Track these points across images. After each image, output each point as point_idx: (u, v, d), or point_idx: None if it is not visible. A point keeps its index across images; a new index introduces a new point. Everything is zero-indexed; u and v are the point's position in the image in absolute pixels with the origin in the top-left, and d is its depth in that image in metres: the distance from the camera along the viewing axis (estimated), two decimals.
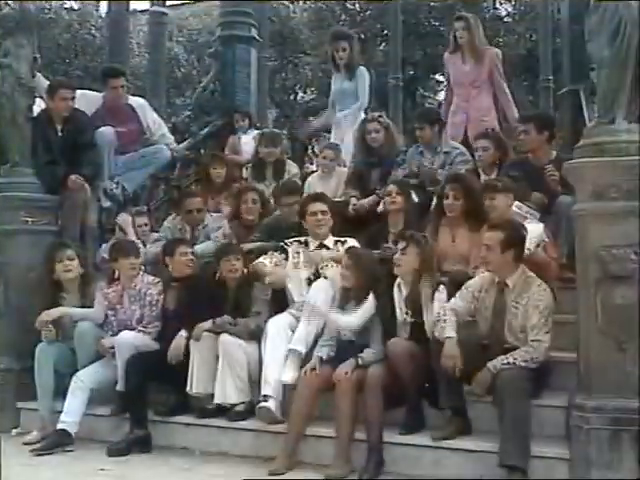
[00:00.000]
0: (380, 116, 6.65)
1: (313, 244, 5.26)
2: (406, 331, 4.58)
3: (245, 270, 5.18)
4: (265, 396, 4.67)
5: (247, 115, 7.83)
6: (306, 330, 4.80)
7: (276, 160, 6.82)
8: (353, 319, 4.65)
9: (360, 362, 4.53)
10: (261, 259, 5.24)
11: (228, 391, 4.84)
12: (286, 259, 5.24)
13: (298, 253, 5.25)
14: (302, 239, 5.31)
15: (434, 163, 6.16)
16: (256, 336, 4.93)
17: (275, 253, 5.24)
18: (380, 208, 5.84)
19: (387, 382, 4.38)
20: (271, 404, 4.63)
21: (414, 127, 6.43)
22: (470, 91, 7.01)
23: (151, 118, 7.01)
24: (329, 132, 7.60)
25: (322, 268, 5.14)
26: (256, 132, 7.69)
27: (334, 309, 4.73)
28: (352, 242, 5.22)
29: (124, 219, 6.13)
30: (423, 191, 5.89)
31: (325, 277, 5.05)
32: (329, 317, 4.71)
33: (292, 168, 6.97)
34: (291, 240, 5.31)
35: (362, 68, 7.44)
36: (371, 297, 4.67)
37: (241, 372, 4.86)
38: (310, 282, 5.09)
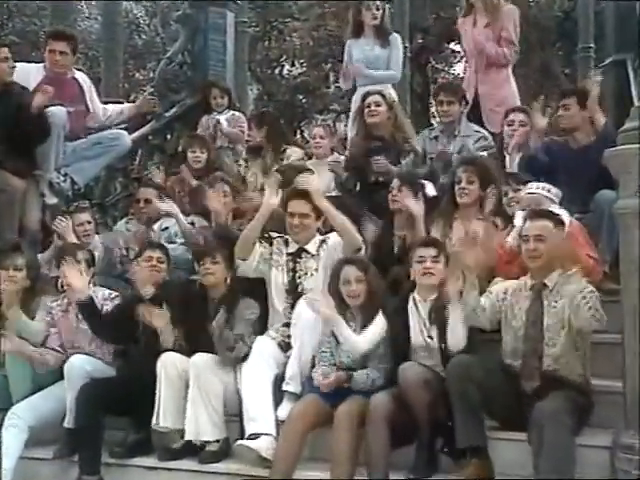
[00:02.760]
0: (383, 91, 6.74)
1: (292, 246, 5.31)
2: (432, 357, 4.64)
3: (229, 279, 5.23)
4: (253, 435, 4.66)
5: (227, 92, 7.86)
6: (299, 364, 4.85)
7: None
8: (361, 341, 4.68)
9: (352, 379, 4.60)
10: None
11: (201, 426, 4.85)
12: (271, 254, 5.28)
13: (280, 251, 5.29)
14: (285, 236, 5.34)
15: (450, 150, 6.26)
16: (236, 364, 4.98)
17: (266, 243, 5.28)
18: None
19: (395, 415, 4.40)
20: (261, 443, 4.62)
21: (439, 101, 6.50)
22: (481, 60, 7.11)
23: (97, 101, 7.05)
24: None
25: (300, 277, 5.20)
26: (231, 113, 7.72)
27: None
28: (334, 237, 5.24)
29: (65, 225, 6.09)
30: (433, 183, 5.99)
31: (302, 289, 5.13)
32: (341, 329, 4.69)
33: (294, 153, 7.06)
34: (276, 235, 5.36)
35: (397, 35, 7.59)
36: (380, 316, 4.71)
37: (216, 403, 4.88)
38: (291, 291, 5.16)
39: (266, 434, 4.65)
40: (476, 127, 6.54)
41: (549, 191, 5.21)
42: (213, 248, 5.34)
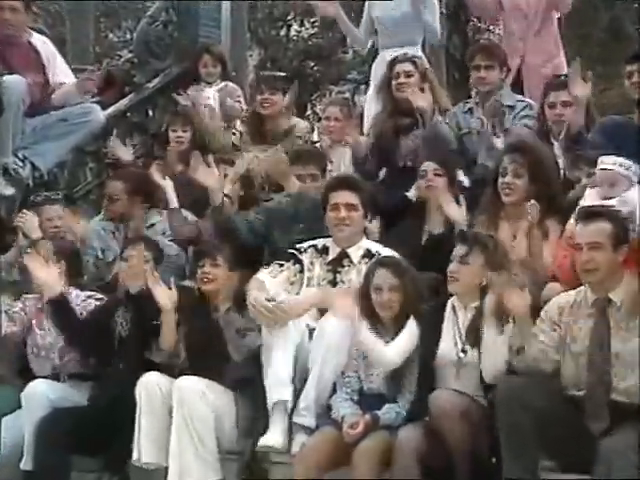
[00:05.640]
0: (415, 57, 6.72)
1: (334, 252, 5.30)
2: (463, 377, 4.62)
3: (237, 283, 5.25)
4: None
5: (221, 59, 7.89)
6: (316, 391, 4.86)
7: (278, 114, 6.94)
8: (389, 353, 4.63)
9: (380, 421, 4.57)
10: (261, 274, 5.22)
11: (186, 464, 4.83)
12: (301, 271, 5.28)
13: (313, 264, 5.29)
14: (320, 243, 5.32)
15: (486, 124, 6.25)
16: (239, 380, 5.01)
17: (287, 263, 5.26)
18: (412, 193, 5.92)
19: (427, 452, 4.40)
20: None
21: (475, 66, 6.50)
22: (531, 24, 7.17)
23: (60, 68, 7.05)
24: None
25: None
26: (224, 84, 7.75)
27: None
28: (387, 253, 5.22)
29: (29, 221, 6.15)
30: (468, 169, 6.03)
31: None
32: (365, 336, 4.65)
33: (300, 124, 7.14)
34: (306, 245, 5.34)
35: None
36: (412, 322, 4.70)
37: (205, 434, 4.88)
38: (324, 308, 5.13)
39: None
40: (519, 96, 6.57)
41: (628, 168, 5.07)
42: (213, 247, 5.38)
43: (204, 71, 7.78)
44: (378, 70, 7.40)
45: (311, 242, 5.36)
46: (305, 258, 5.31)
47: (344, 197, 5.27)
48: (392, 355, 4.65)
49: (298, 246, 5.34)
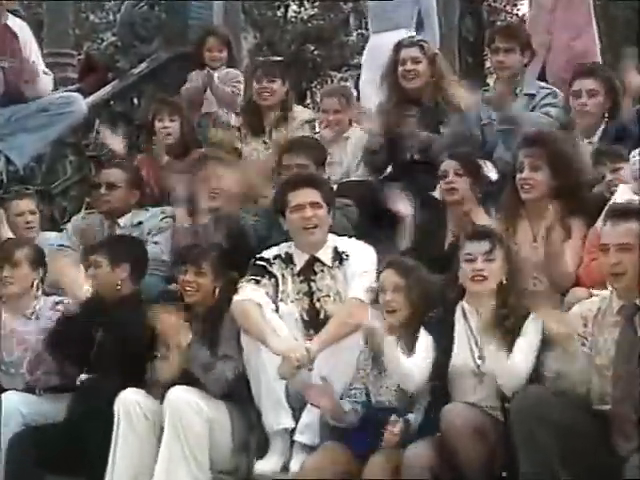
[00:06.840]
0: (422, 41, 6.72)
1: (300, 260, 5.23)
2: (482, 386, 4.60)
3: (217, 291, 5.23)
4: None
5: (227, 43, 7.84)
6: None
7: (279, 103, 6.93)
8: (416, 370, 4.56)
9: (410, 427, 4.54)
10: (245, 291, 5.13)
11: None
12: (276, 286, 5.20)
13: (284, 277, 5.22)
14: (282, 252, 5.25)
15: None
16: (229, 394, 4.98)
17: (263, 280, 5.17)
18: (437, 193, 5.82)
19: (437, 469, 4.39)
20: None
21: (494, 49, 6.46)
22: None
23: (35, 53, 7.04)
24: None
25: (320, 300, 5.17)
26: (225, 71, 7.73)
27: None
28: (364, 250, 5.22)
29: None
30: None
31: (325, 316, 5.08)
32: (392, 351, 4.56)
33: (301, 113, 7.11)
34: (271, 255, 5.27)
35: None
36: (423, 332, 4.66)
37: (199, 450, 4.87)
38: (307, 322, 5.12)
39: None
40: (542, 83, 6.58)
41: None
42: (199, 253, 5.34)
43: (208, 55, 7.72)
44: (369, 56, 7.47)
45: (273, 252, 5.27)
46: (276, 270, 5.22)
47: (307, 196, 5.18)
48: (417, 374, 4.57)
49: (265, 257, 5.26)
